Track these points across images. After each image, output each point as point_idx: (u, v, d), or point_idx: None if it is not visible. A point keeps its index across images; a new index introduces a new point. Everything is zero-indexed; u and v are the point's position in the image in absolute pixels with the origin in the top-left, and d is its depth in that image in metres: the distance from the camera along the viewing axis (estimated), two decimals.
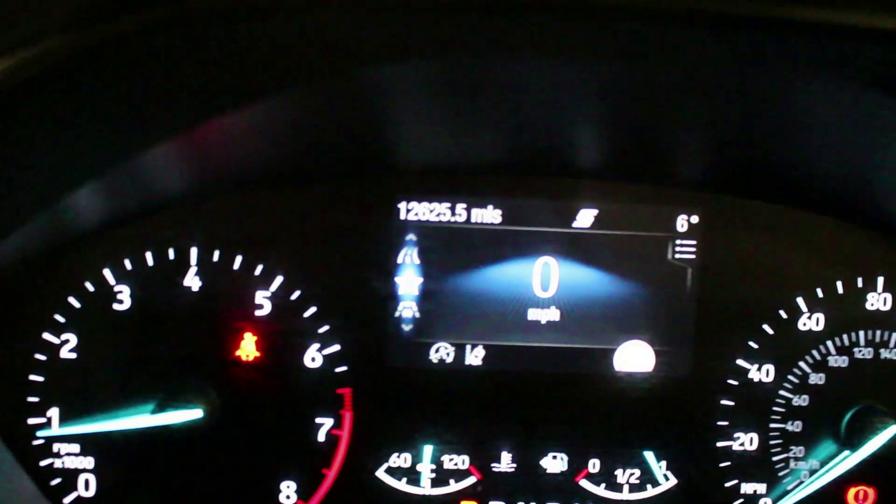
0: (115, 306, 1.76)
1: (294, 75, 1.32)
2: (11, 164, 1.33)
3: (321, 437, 1.82)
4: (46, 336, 1.75)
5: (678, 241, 1.82)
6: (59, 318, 1.76)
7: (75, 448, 1.80)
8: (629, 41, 1.30)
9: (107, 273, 1.76)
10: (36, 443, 1.78)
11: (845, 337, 1.86)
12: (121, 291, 1.76)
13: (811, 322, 1.85)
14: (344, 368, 1.81)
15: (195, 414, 1.74)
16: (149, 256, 1.76)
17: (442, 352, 1.83)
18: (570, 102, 1.55)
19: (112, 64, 1.18)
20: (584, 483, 1.88)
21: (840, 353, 1.86)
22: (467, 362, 1.83)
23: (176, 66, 1.25)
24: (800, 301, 1.85)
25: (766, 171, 1.78)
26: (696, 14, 1.21)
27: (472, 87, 1.46)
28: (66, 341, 1.76)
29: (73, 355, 1.77)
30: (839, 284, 1.86)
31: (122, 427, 1.75)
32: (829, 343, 1.86)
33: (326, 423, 1.82)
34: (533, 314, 1.83)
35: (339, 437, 1.82)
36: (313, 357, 1.80)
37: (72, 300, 1.76)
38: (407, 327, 1.82)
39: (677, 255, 1.82)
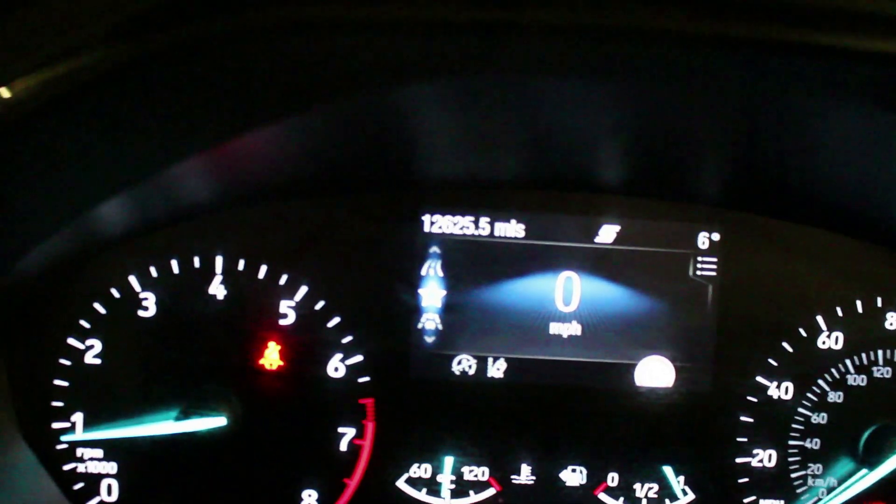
0: (140, 313, 1.78)
1: (323, 92, 1.34)
2: (45, 174, 1.35)
3: (343, 446, 1.83)
4: (71, 341, 1.77)
5: (699, 258, 1.83)
6: (85, 324, 1.77)
7: (98, 453, 1.82)
8: (649, 63, 1.31)
9: (132, 280, 1.77)
10: (59, 447, 1.79)
11: (864, 356, 1.87)
12: (146, 298, 1.78)
13: (830, 340, 1.86)
14: (367, 379, 1.82)
15: (219, 422, 1.76)
16: (174, 264, 1.78)
17: (464, 364, 1.84)
18: (592, 121, 1.57)
19: (147, 79, 1.20)
20: (603, 496, 1.89)
21: (859, 371, 1.86)
22: (489, 375, 1.84)
23: (208, 82, 1.27)
24: (819, 319, 1.86)
25: (787, 189, 1.79)
26: (715, 37, 1.23)
27: (495, 106, 1.48)
28: (91, 347, 1.78)
29: (98, 361, 1.79)
30: (858, 304, 1.87)
31: (145, 433, 1.76)
32: (848, 362, 1.86)
33: (349, 432, 1.83)
34: (555, 328, 1.84)
35: (360, 447, 1.83)
36: (336, 367, 1.81)
37: (97, 306, 1.78)
38: (430, 339, 1.83)
39: (699, 273, 1.83)
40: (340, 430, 1.83)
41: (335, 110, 1.42)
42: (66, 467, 1.80)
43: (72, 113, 1.21)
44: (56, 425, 1.79)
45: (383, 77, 1.32)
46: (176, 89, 1.26)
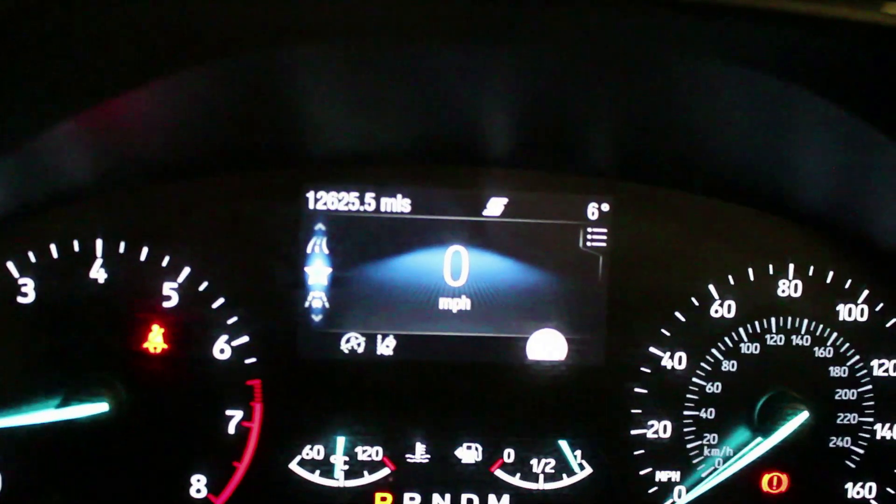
0: (20, 299, 1.74)
1: (197, 54, 1.30)
2: None
3: (231, 429, 1.80)
4: None
5: (589, 229, 1.82)
6: None
7: None
8: (534, 26, 1.30)
9: (10, 266, 1.73)
10: None
11: (757, 324, 1.87)
12: (25, 284, 1.74)
13: (723, 309, 1.86)
14: (253, 360, 1.80)
15: (101, 408, 1.72)
16: (53, 248, 1.74)
17: (353, 342, 1.82)
18: (477, 89, 1.55)
19: (5, 41, 1.17)
20: (500, 473, 1.87)
21: (752, 339, 1.87)
22: (378, 352, 1.82)
23: (73, 43, 1.24)
24: (711, 288, 1.86)
25: (676, 158, 1.79)
26: None
27: (379, 71, 1.46)
28: None
29: None
30: (750, 271, 1.87)
31: (26, 422, 1.72)
32: (741, 330, 1.86)
33: (236, 415, 1.80)
34: (444, 303, 1.82)
35: (249, 430, 1.81)
36: (222, 349, 1.78)
37: None
38: (317, 318, 1.81)
39: (588, 244, 1.82)
40: (228, 412, 1.80)
41: (213, 75, 1.38)
42: None
43: None
44: None
45: (262, 39, 1.29)
46: (41, 49, 1.23)
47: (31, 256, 1.74)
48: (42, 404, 1.74)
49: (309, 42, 1.32)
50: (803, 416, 1.82)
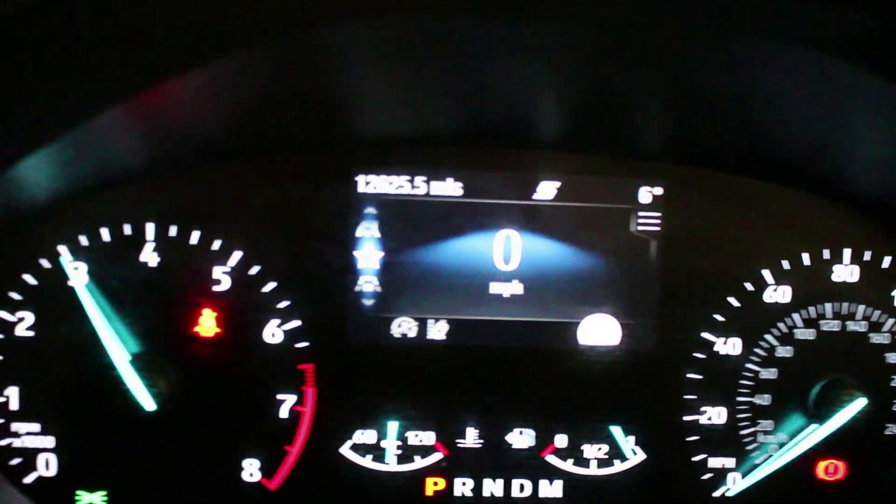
0: (71, 283, 1.74)
1: (247, 37, 1.29)
2: None
3: (283, 413, 1.80)
4: (1, 314, 1.73)
5: (641, 213, 1.80)
6: (15, 296, 1.73)
7: (35, 427, 1.77)
8: (589, 7, 1.28)
9: (62, 249, 1.73)
10: None
11: (812, 309, 1.84)
12: (77, 268, 1.74)
13: (777, 294, 1.84)
14: (305, 344, 1.79)
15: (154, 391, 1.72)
16: (105, 232, 1.74)
17: (404, 326, 1.81)
18: (529, 70, 1.53)
19: (54, 24, 1.16)
20: (551, 458, 1.86)
21: (807, 325, 1.84)
22: (430, 337, 1.81)
23: (124, 26, 1.23)
24: (766, 273, 1.83)
25: (730, 141, 1.77)
26: None
27: (430, 51, 1.44)
28: (22, 319, 1.74)
29: (30, 333, 1.75)
30: (805, 256, 1.84)
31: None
32: (796, 315, 1.84)
33: (289, 399, 1.80)
34: (495, 288, 1.81)
35: (301, 414, 1.80)
36: (273, 333, 1.78)
37: (27, 277, 1.73)
38: (368, 302, 1.80)
39: (640, 227, 1.80)
40: (280, 396, 1.79)
41: (261, 58, 1.37)
42: (2, 443, 1.76)
43: None
44: None
45: (313, 19, 1.27)
46: (90, 34, 1.22)
47: (83, 240, 1.74)
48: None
49: (359, 22, 1.30)
50: (860, 402, 1.79)
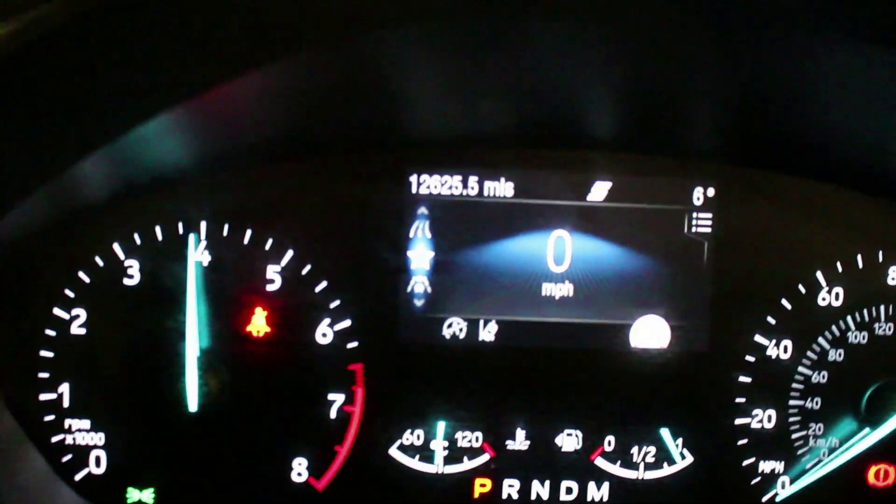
0: (126, 281, 1.75)
1: (302, 38, 1.29)
2: (15, 131, 1.31)
3: (333, 413, 1.80)
4: (56, 311, 1.74)
5: (695, 215, 1.79)
6: (70, 294, 1.75)
7: (86, 424, 1.78)
8: (642, 6, 1.27)
9: (116, 247, 1.74)
10: (47, 419, 1.76)
11: (865, 312, 1.82)
12: (130, 266, 1.75)
13: (830, 297, 1.82)
14: (355, 344, 1.79)
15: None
16: (158, 231, 1.74)
17: (455, 327, 1.80)
18: (582, 69, 1.53)
19: (113, 28, 1.16)
20: (600, 461, 1.85)
21: (860, 328, 1.82)
22: (480, 338, 1.81)
23: (181, 30, 1.23)
24: (819, 275, 1.81)
25: (784, 141, 1.75)
26: None
27: (483, 52, 1.43)
28: (77, 317, 1.75)
29: (83, 331, 1.76)
30: (859, 258, 1.82)
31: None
32: (849, 318, 1.82)
33: (338, 399, 1.80)
34: (546, 289, 1.80)
35: (350, 414, 1.80)
36: (324, 332, 1.78)
37: (81, 275, 1.75)
38: (419, 302, 1.80)
39: (694, 229, 1.79)
40: (330, 396, 1.80)
41: (317, 60, 1.37)
42: (55, 439, 1.77)
43: (35, 68, 1.17)
44: (43, 397, 1.76)
45: (367, 22, 1.28)
46: (147, 39, 1.23)
47: (137, 238, 1.75)
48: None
49: (414, 23, 1.30)
50: None
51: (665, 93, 1.61)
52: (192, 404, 1.73)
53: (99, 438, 1.79)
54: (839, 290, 1.82)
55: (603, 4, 1.27)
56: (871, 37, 1.28)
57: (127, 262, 1.75)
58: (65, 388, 1.76)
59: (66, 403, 1.77)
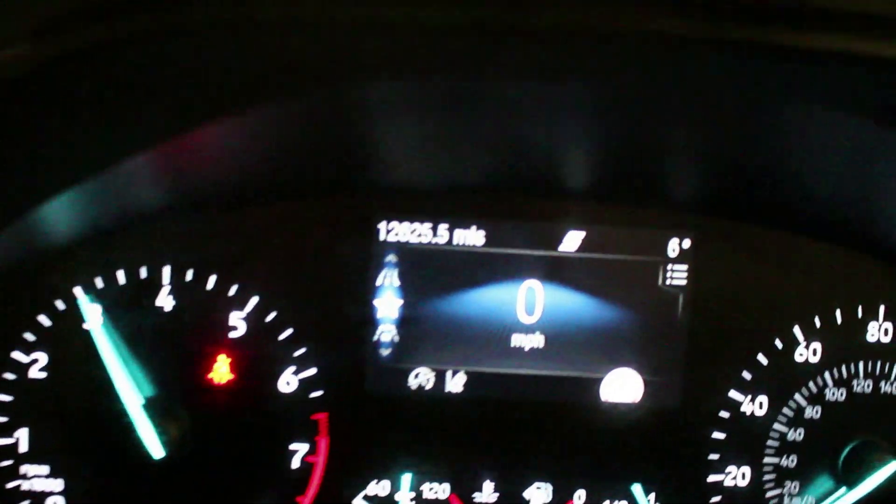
0: (86, 325, 1.71)
1: (272, 88, 1.27)
2: None
3: (295, 463, 1.76)
4: (15, 355, 1.70)
5: (670, 267, 1.75)
6: (29, 337, 1.71)
7: (45, 470, 1.74)
8: (618, 63, 1.25)
9: (78, 291, 1.70)
10: (3, 464, 1.72)
11: (843, 368, 1.78)
12: (92, 310, 1.71)
13: (808, 352, 1.78)
14: (320, 393, 1.75)
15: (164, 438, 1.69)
16: (120, 275, 1.71)
17: (422, 378, 1.77)
18: (557, 122, 1.50)
19: (84, 69, 1.15)
20: None
21: (837, 385, 1.78)
22: (448, 389, 1.77)
23: (151, 74, 1.21)
24: (796, 330, 1.78)
25: (762, 193, 1.72)
26: (685, 38, 1.17)
27: (456, 106, 1.42)
28: (36, 360, 1.71)
29: (44, 375, 1.72)
30: (838, 313, 1.78)
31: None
32: (827, 375, 1.78)
33: (301, 449, 1.76)
34: (517, 340, 1.76)
35: (314, 465, 1.76)
36: (288, 381, 1.74)
37: (42, 318, 1.71)
38: (386, 352, 1.76)
39: (669, 282, 1.75)
40: (293, 446, 1.76)
41: (286, 108, 1.35)
42: (10, 485, 1.73)
43: (7, 105, 1.15)
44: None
45: (339, 75, 1.26)
46: (116, 84, 1.21)
47: (99, 282, 1.71)
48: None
49: (383, 79, 1.28)
50: (891, 466, 1.73)
51: (641, 145, 1.59)
52: (153, 452, 1.68)
53: (58, 485, 1.76)
54: (817, 345, 1.78)
55: (577, 64, 1.25)
56: (842, 104, 1.26)
57: (88, 306, 1.71)
58: (22, 434, 1.72)
59: (22, 448, 1.72)
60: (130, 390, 1.69)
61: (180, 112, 1.31)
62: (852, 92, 1.24)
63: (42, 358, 1.72)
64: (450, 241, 1.75)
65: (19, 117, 1.18)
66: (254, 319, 1.73)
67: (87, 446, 1.74)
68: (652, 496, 1.81)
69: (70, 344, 1.72)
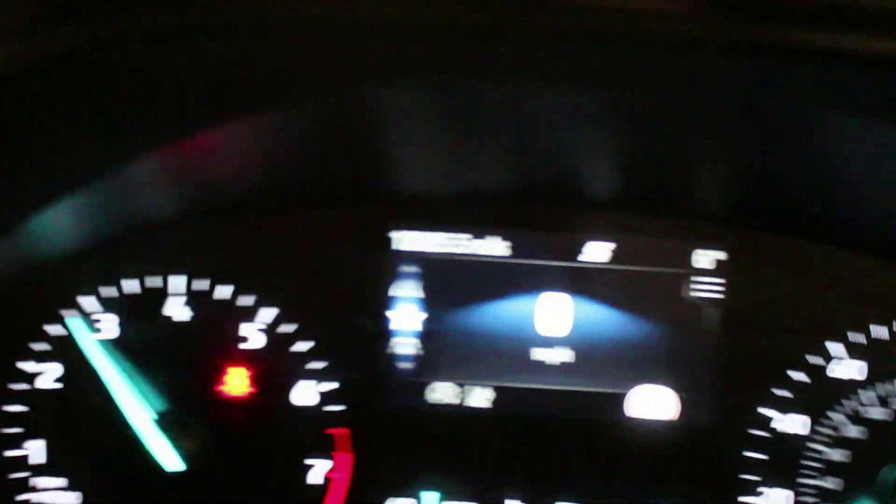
0: (97, 336, 1.69)
1: (286, 93, 1.27)
2: None
3: (313, 479, 1.71)
4: (25, 365, 1.68)
5: (700, 279, 1.69)
6: (41, 347, 1.69)
7: (62, 482, 1.71)
8: (644, 69, 1.23)
9: (86, 302, 1.68)
10: (13, 476, 1.69)
11: (881, 386, 1.70)
12: (102, 321, 1.69)
13: (849, 369, 1.71)
14: (340, 408, 1.70)
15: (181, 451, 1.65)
16: (135, 284, 1.68)
17: (443, 392, 1.71)
18: (582, 130, 1.46)
19: (88, 72, 1.15)
20: None
21: (878, 403, 1.70)
22: (472, 404, 1.72)
23: (158, 77, 1.21)
24: (836, 346, 1.71)
25: (797, 205, 1.66)
26: (714, 41, 1.15)
27: (477, 112, 1.40)
28: (46, 371, 1.69)
29: (59, 385, 1.69)
30: (880, 329, 1.71)
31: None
32: (871, 393, 1.70)
33: (321, 464, 1.71)
34: (542, 354, 1.71)
35: (334, 480, 1.71)
36: (308, 394, 1.70)
37: (51, 328, 1.68)
38: (405, 366, 1.71)
39: (697, 293, 1.69)
40: (311, 461, 1.71)
41: (301, 113, 1.34)
42: (20, 498, 1.70)
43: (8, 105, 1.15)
44: (10, 454, 1.69)
45: (356, 79, 1.25)
46: (124, 82, 1.21)
47: (108, 292, 1.69)
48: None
49: (403, 83, 1.27)
50: None
51: (670, 156, 1.55)
52: (174, 465, 1.65)
53: (75, 498, 1.72)
54: (858, 362, 1.71)
55: (604, 67, 1.22)
56: (879, 111, 1.21)
57: (99, 317, 1.68)
58: (36, 445, 1.70)
59: (37, 460, 1.70)
60: (138, 406, 1.65)
61: (188, 113, 1.30)
62: (879, 94, 1.21)
63: (56, 369, 1.70)
64: (472, 252, 1.70)
65: (15, 117, 1.17)
66: (271, 331, 1.69)
67: (104, 459, 1.71)
68: None
69: (82, 355, 1.68)
